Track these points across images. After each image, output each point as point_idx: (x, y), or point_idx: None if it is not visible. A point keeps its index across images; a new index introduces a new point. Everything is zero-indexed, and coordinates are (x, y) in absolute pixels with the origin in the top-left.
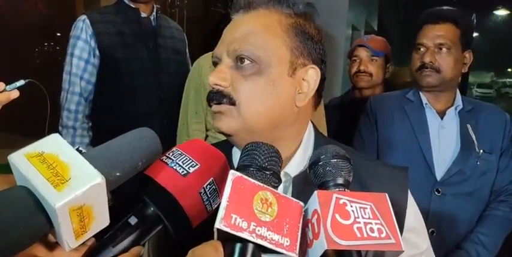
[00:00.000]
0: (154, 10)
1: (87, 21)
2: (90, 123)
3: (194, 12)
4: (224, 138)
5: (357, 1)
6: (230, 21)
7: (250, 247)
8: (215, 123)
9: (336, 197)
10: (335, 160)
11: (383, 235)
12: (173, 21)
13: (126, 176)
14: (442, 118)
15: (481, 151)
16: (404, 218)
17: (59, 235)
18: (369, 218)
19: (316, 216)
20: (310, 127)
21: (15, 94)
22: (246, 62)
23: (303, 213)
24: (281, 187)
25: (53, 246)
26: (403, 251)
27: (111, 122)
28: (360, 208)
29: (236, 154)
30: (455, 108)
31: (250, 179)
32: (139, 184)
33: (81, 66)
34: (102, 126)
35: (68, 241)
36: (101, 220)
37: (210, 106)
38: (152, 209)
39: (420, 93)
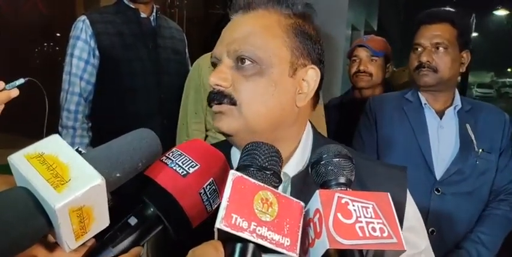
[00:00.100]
0: (154, 10)
1: (87, 21)
2: (90, 124)
3: (194, 13)
4: (224, 138)
5: (356, 1)
6: (229, 21)
7: (251, 247)
8: (215, 124)
9: (338, 196)
10: (337, 159)
11: (385, 235)
12: (173, 22)
13: (126, 177)
14: (441, 118)
15: (480, 150)
16: (403, 217)
17: (59, 236)
18: (371, 217)
19: (318, 215)
20: (308, 127)
21: (15, 93)
22: (247, 62)
23: (304, 213)
24: (280, 187)
25: (52, 247)
26: (405, 250)
27: (111, 123)
28: (362, 207)
29: (235, 154)
30: (454, 108)
31: (250, 179)
32: (139, 184)
33: (80, 67)
34: (102, 127)
35: (68, 242)
36: (101, 220)
37: (211, 106)
38: (152, 209)
39: (419, 93)
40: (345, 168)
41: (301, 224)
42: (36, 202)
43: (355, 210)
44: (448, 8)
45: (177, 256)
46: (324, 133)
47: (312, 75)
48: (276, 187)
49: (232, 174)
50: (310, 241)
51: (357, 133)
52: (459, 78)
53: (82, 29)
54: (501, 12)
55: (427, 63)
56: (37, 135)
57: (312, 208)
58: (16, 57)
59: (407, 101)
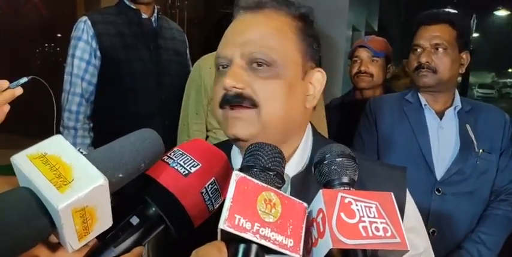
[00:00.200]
0: (155, 11)
1: (88, 22)
2: (91, 124)
3: (194, 14)
4: (225, 138)
5: (357, 1)
6: (230, 20)
7: (254, 247)
8: (231, 130)
9: (341, 196)
10: (340, 159)
11: (388, 234)
12: (174, 23)
13: (128, 178)
14: (441, 119)
15: (481, 150)
16: (403, 217)
17: (62, 236)
18: (374, 217)
19: (321, 215)
20: (309, 128)
21: (19, 91)
22: (263, 64)
23: (307, 213)
24: None
25: (54, 246)
26: (408, 250)
27: (113, 123)
28: (365, 206)
29: (235, 155)
30: (454, 109)
31: (253, 179)
32: (140, 184)
33: (82, 67)
34: (103, 128)
35: (71, 243)
36: (104, 221)
37: (222, 108)
38: (154, 209)
39: (419, 94)
40: (348, 168)
41: (304, 225)
42: (39, 203)
43: (358, 210)
44: (447, 9)
45: (178, 255)
46: (325, 133)
47: (318, 77)
48: (279, 188)
49: (236, 175)
50: (314, 241)
51: (357, 134)
52: (460, 78)
53: (83, 30)
54: (502, 13)
55: (427, 64)
56: (38, 135)
57: (315, 207)
58: (16, 58)
59: (407, 102)
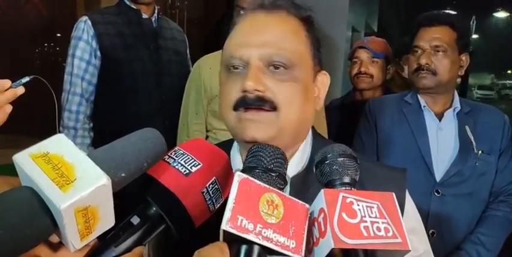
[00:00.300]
0: (156, 11)
1: (89, 22)
2: (91, 124)
3: (194, 14)
4: (225, 139)
5: (357, 2)
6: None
7: (256, 248)
8: (248, 132)
9: (343, 196)
10: (342, 159)
11: (390, 234)
12: (174, 23)
13: (131, 177)
14: (440, 120)
15: (480, 151)
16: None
17: (64, 236)
18: (376, 217)
19: (322, 215)
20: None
21: (21, 90)
22: (282, 67)
23: (309, 214)
24: None
25: (55, 246)
26: (410, 250)
27: (113, 123)
28: (367, 206)
29: (235, 155)
30: (453, 110)
31: (256, 180)
32: (141, 183)
33: (82, 67)
34: (103, 127)
35: (73, 242)
36: (106, 220)
37: (235, 110)
38: (155, 209)
39: (418, 95)
40: (350, 168)
41: (306, 227)
42: (41, 202)
43: (359, 210)
44: (447, 11)
45: (179, 255)
46: (325, 134)
47: (324, 80)
48: (282, 189)
49: (238, 176)
50: (315, 240)
51: (357, 135)
52: (459, 80)
53: (84, 30)
54: (501, 14)
55: (426, 65)
56: (38, 135)
57: (317, 207)
58: (16, 58)
59: (406, 103)
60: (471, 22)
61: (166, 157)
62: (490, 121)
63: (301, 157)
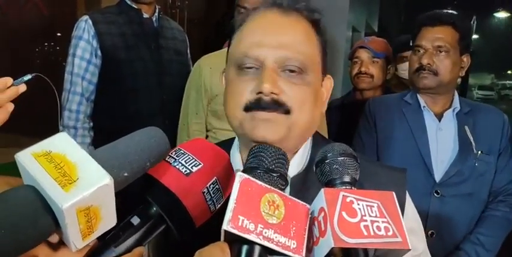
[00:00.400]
0: (157, 11)
1: (90, 21)
2: (91, 124)
3: (195, 13)
4: (225, 138)
5: (357, 2)
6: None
7: (257, 248)
8: (260, 132)
9: (343, 195)
10: (342, 158)
11: (390, 233)
12: (174, 22)
13: (134, 176)
14: (439, 120)
15: (479, 152)
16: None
17: (66, 236)
18: (376, 216)
19: (323, 214)
20: None
21: (23, 88)
22: (297, 71)
23: (310, 214)
24: None
25: (54, 246)
26: (410, 249)
27: (113, 123)
28: (367, 206)
29: (235, 155)
30: (453, 111)
31: (257, 181)
32: (142, 183)
33: (83, 67)
34: (104, 127)
35: (75, 242)
36: (108, 220)
37: (247, 111)
38: (155, 209)
39: (418, 95)
40: (350, 167)
41: (307, 227)
42: (43, 201)
43: (360, 209)
44: (450, 11)
45: (179, 256)
46: (325, 134)
47: (328, 84)
48: (283, 190)
49: (240, 176)
50: (315, 240)
51: (357, 135)
52: (459, 80)
53: (84, 29)
54: (502, 15)
55: (428, 65)
56: (38, 134)
57: (317, 206)
58: (16, 57)
59: (406, 103)
60: (472, 22)
61: (167, 156)
62: (490, 121)
63: (301, 157)
